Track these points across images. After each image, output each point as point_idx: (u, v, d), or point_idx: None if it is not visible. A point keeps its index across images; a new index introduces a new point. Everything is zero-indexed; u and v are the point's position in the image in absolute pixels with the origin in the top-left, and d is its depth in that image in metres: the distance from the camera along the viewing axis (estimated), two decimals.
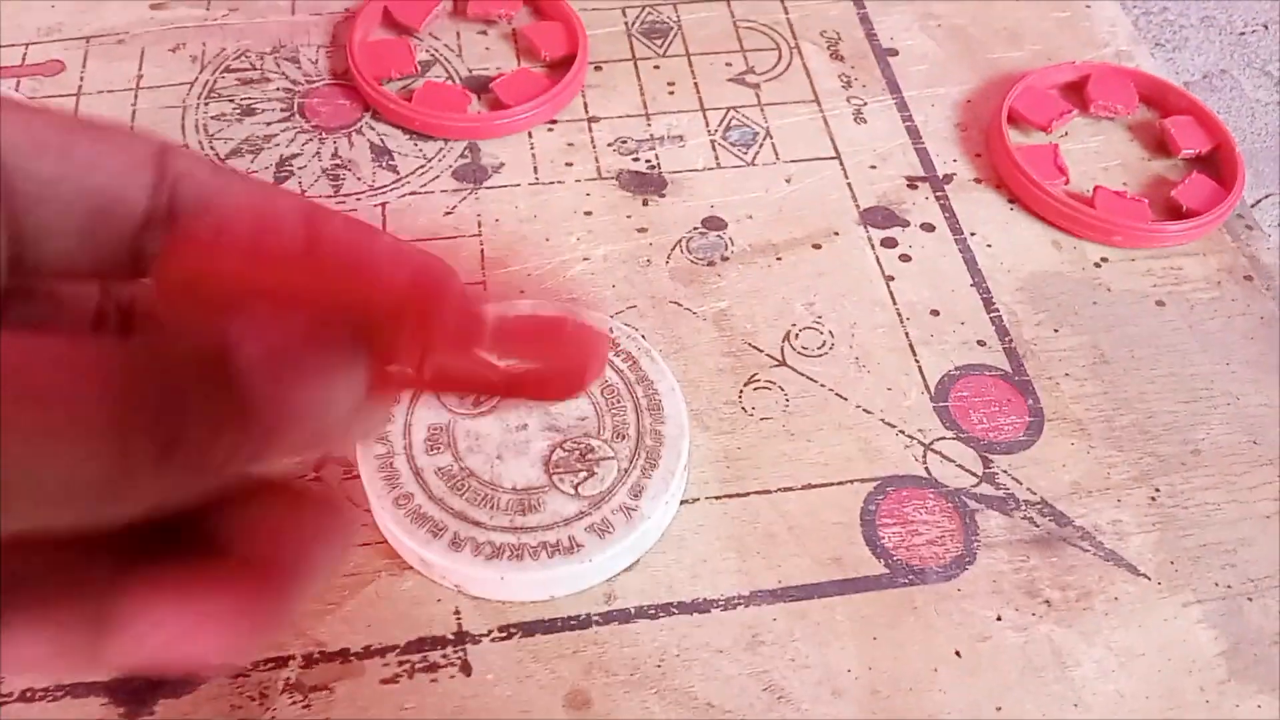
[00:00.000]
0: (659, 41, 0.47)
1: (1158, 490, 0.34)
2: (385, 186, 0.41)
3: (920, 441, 0.35)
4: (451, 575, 0.31)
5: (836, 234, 0.40)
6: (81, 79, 0.44)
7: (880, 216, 0.41)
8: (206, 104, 0.43)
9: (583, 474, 0.32)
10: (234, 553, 0.16)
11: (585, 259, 0.39)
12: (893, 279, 0.39)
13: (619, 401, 0.34)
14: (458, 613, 0.31)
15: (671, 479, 0.32)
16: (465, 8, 0.46)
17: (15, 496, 0.13)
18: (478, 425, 0.33)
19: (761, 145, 0.43)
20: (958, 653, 0.31)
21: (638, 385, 0.34)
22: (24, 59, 0.45)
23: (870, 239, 0.40)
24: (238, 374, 0.14)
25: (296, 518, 0.16)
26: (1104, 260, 0.40)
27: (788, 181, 0.42)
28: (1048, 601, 0.32)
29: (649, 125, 0.43)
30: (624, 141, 0.43)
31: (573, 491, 0.32)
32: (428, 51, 0.45)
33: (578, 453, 0.32)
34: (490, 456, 0.32)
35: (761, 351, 0.37)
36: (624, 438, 0.33)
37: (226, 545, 0.16)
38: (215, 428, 0.14)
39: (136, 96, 0.43)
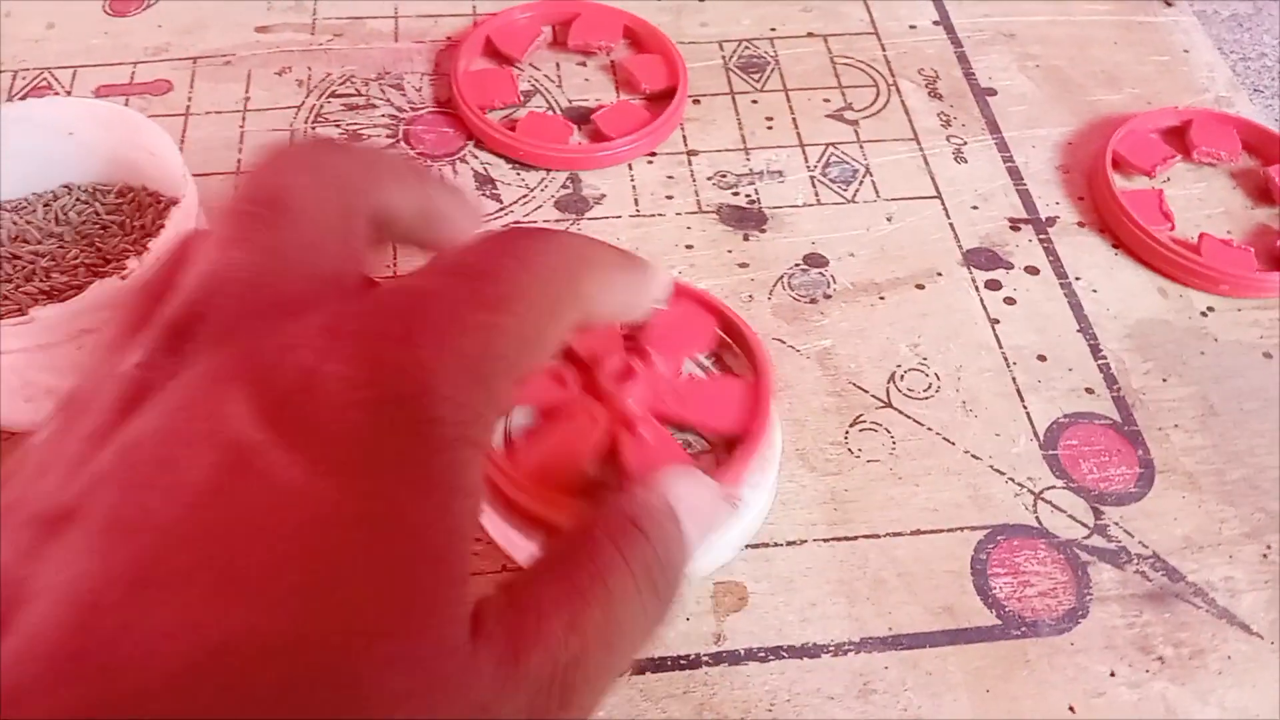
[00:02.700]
0: (756, 76, 0.47)
1: (1269, 547, 0.34)
2: (489, 215, 0.41)
3: (1030, 490, 0.34)
4: None
5: (940, 275, 0.40)
6: (189, 99, 0.44)
7: (983, 258, 0.41)
8: (313, 128, 0.43)
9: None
10: None
11: None
12: (998, 322, 0.39)
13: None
14: None
15: (770, 467, 0.33)
16: (565, 39, 0.47)
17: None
18: None
19: (861, 182, 0.43)
20: (1072, 708, 0.30)
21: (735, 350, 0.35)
22: (132, 77, 0.45)
23: (974, 280, 0.40)
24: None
25: None
26: (1210, 309, 0.40)
27: (889, 220, 0.42)
28: (1161, 658, 0.31)
29: (748, 160, 0.43)
30: (723, 175, 0.43)
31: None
32: (529, 81, 0.46)
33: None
34: None
35: (867, 392, 0.37)
36: None
37: None
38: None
39: (244, 119, 0.44)
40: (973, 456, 0.35)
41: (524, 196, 0.42)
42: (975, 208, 0.42)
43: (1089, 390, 0.37)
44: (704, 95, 0.46)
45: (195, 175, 0.36)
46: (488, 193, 0.42)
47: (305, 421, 0.17)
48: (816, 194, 0.42)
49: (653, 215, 0.41)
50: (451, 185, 0.25)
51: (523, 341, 0.20)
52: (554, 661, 0.19)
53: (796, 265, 0.40)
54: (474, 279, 0.20)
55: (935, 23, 0.50)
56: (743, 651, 0.31)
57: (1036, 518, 0.34)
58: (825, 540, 0.33)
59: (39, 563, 0.16)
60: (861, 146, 0.44)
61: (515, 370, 0.20)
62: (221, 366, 0.18)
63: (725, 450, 0.33)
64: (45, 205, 0.37)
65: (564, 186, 0.42)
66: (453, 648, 0.18)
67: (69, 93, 0.45)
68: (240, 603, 0.16)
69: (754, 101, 0.46)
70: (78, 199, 0.37)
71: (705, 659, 0.31)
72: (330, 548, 0.17)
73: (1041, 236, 0.41)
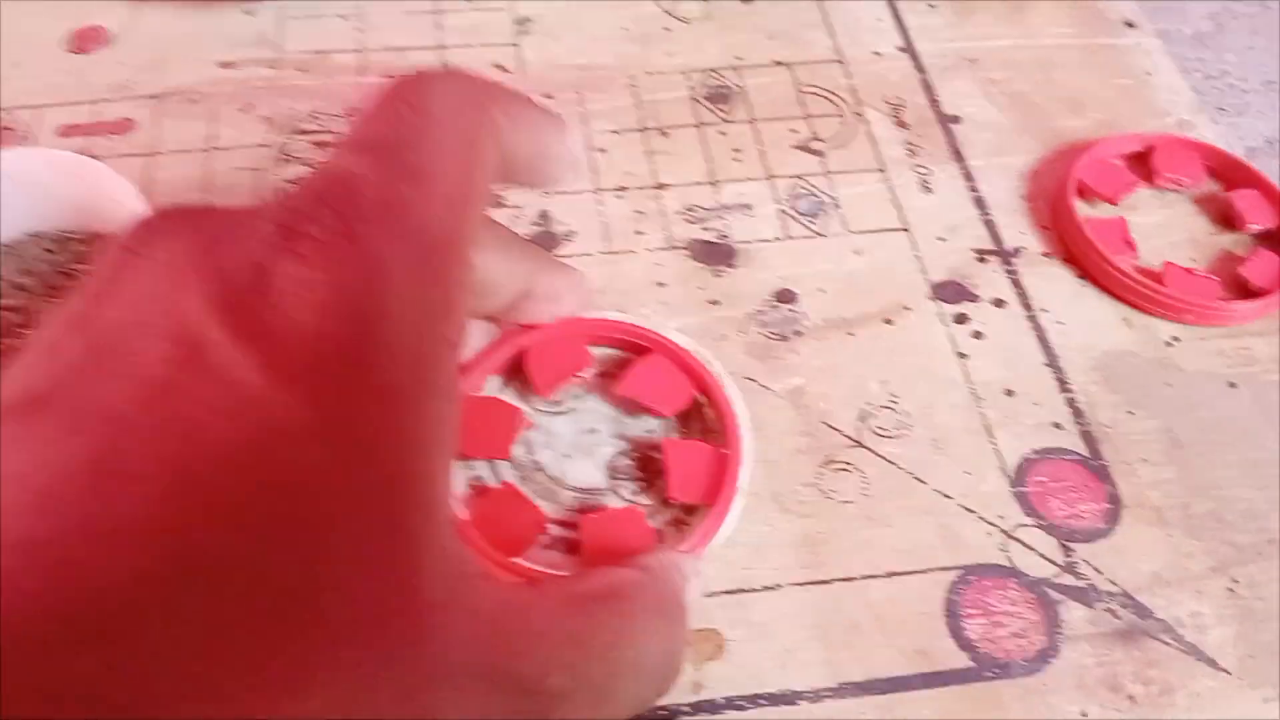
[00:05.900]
0: (723, 107, 0.47)
1: (1236, 581, 0.34)
2: None
3: (1001, 528, 0.35)
4: None
5: (908, 309, 0.40)
6: (154, 138, 0.44)
7: (951, 291, 0.41)
8: (280, 167, 0.43)
9: (642, 483, 0.34)
10: None
11: None
12: (965, 357, 0.39)
13: (689, 422, 0.35)
14: None
15: (723, 531, 0.33)
16: None
17: None
18: (553, 423, 0.35)
19: (830, 215, 0.43)
20: None
21: (709, 410, 0.35)
22: (95, 116, 0.45)
23: (941, 314, 0.40)
24: None
25: None
26: (1175, 339, 0.40)
27: (857, 254, 0.42)
28: (1131, 697, 0.32)
29: (717, 193, 0.44)
30: (692, 210, 0.43)
31: (629, 499, 0.33)
32: None
33: (640, 462, 0.34)
34: (559, 454, 0.34)
35: (838, 431, 0.37)
36: None
37: None
38: None
39: (210, 157, 0.43)
40: (943, 495, 0.35)
41: None
42: (942, 239, 0.43)
43: (1056, 425, 0.37)
44: (672, 127, 0.46)
45: None
46: None
47: (260, 322, 0.17)
48: (785, 228, 0.43)
49: (624, 252, 0.41)
50: (558, 126, 0.25)
51: (459, 199, 0.20)
52: (542, 682, 0.19)
53: (767, 302, 0.40)
54: (391, 152, 0.20)
55: (900, 49, 0.50)
56: (721, 700, 0.31)
57: (1008, 557, 0.34)
58: (800, 584, 0.33)
59: (8, 448, 0.16)
60: (829, 178, 0.44)
61: (460, 234, 0.20)
62: (178, 255, 0.18)
63: (685, 512, 0.33)
64: (13, 256, 0.37)
65: (535, 223, 0.42)
66: (423, 598, 0.17)
67: (30, 133, 0.44)
68: (200, 512, 0.16)
69: (721, 133, 0.46)
70: (45, 249, 0.37)
71: (684, 709, 0.31)
72: (290, 466, 0.16)
73: (1008, 268, 0.42)
